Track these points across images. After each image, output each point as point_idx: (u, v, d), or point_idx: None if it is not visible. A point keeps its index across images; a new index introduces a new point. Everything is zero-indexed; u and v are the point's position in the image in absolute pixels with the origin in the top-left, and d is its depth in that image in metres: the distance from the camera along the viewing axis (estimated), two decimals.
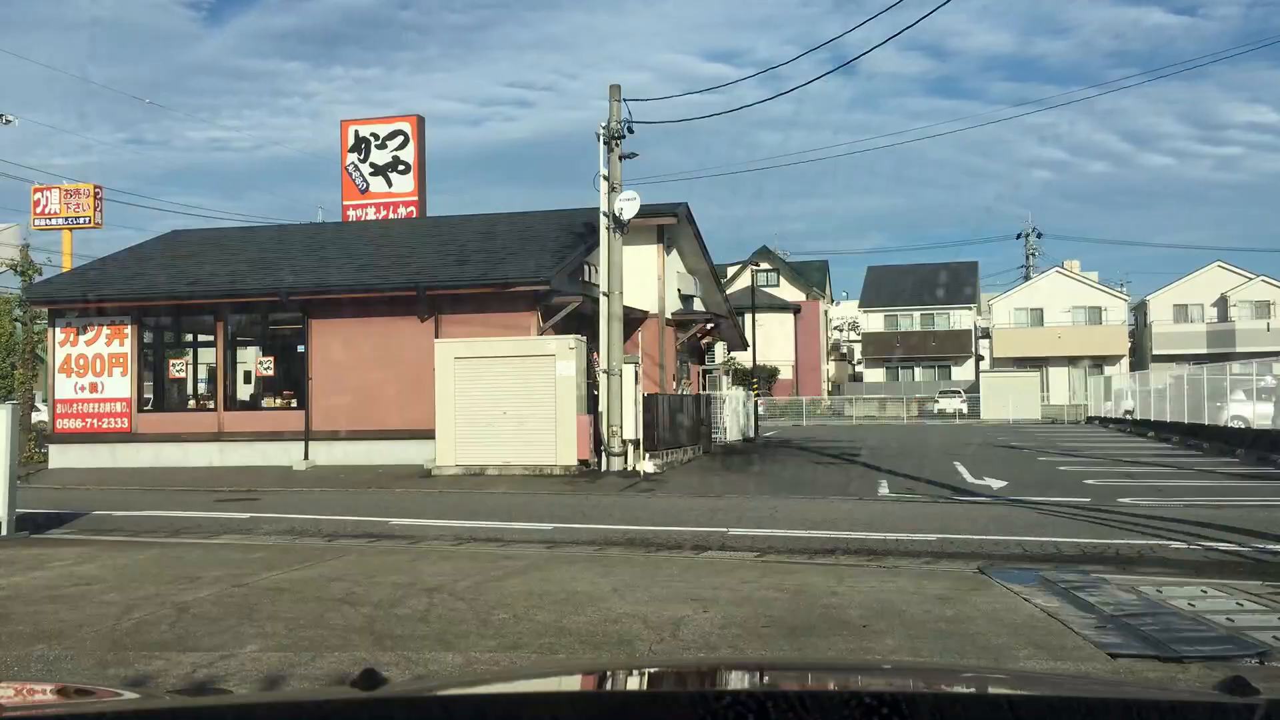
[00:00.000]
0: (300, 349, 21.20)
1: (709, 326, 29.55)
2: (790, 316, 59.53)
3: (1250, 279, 57.70)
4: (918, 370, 63.14)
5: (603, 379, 18.82)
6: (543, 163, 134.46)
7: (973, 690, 1.78)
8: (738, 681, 1.81)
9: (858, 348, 69.82)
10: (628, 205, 18.89)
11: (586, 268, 21.86)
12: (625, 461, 18.39)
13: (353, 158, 28.37)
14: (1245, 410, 24.84)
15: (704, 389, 30.88)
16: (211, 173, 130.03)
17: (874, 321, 64.46)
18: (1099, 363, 55.55)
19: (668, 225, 24.78)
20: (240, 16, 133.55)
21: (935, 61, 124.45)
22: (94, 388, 21.71)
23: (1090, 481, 15.92)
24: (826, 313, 69.25)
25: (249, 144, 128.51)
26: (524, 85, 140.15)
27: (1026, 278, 65.38)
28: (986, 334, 62.46)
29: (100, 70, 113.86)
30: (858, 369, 70.23)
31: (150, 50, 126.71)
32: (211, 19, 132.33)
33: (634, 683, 1.86)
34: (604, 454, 18.45)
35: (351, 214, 28.32)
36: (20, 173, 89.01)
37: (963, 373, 61.32)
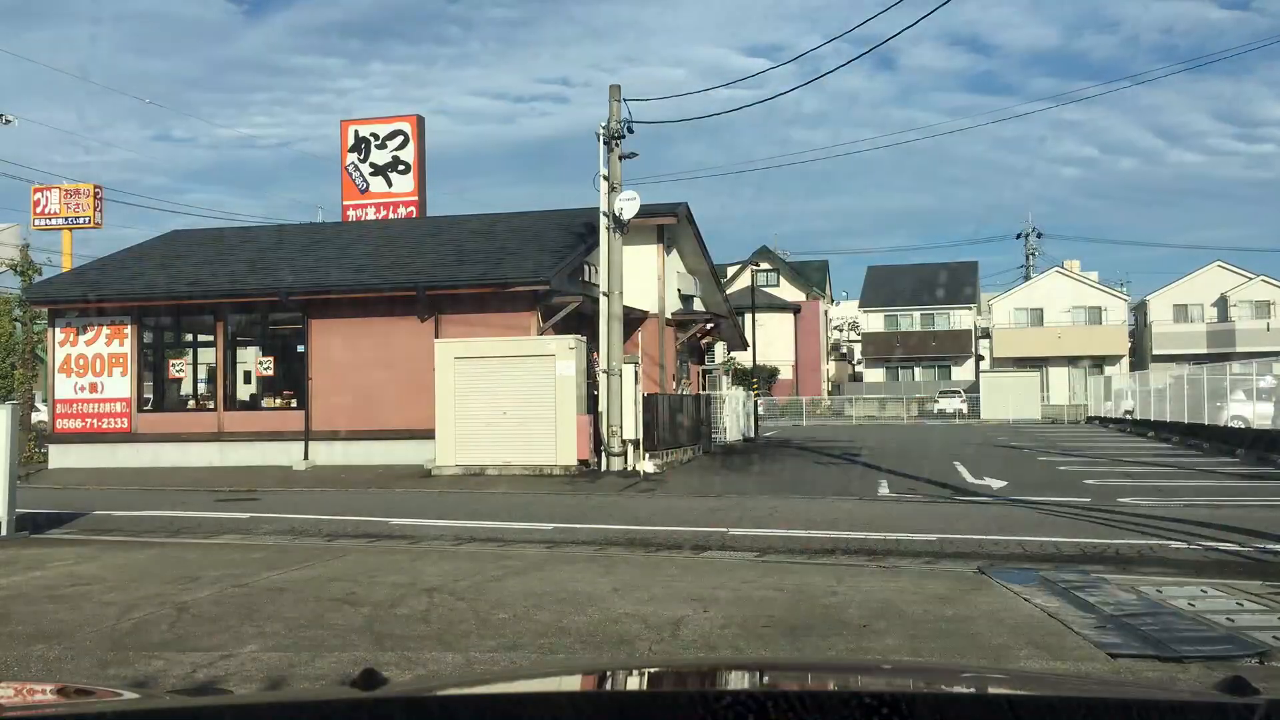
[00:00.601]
0: (300, 349, 21.21)
1: (709, 326, 29.55)
2: (790, 316, 59.56)
3: (1250, 279, 57.71)
4: (918, 370, 63.16)
5: (603, 379, 18.82)
6: (572, 160, 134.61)
7: (973, 690, 1.78)
8: (738, 681, 1.81)
9: (858, 348, 69.83)
10: (628, 205, 18.90)
11: (586, 268, 21.86)
12: (625, 461, 18.39)
13: (353, 158, 28.39)
14: (1245, 410, 24.84)
15: (704, 389, 30.87)
16: (240, 170, 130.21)
17: (874, 321, 64.48)
18: (1099, 363, 55.55)
19: (668, 225, 24.79)
20: (278, 11, 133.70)
21: (943, 58, 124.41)
22: (94, 388, 21.71)
23: (1090, 481, 15.92)
24: (826, 313, 69.26)
25: (276, 141, 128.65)
26: (561, 81, 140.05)
27: (1026, 278, 65.39)
28: (986, 334, 62.45)
29: (133, 64, 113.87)
30: (858, 369, 70.25)
31: (187, 45, 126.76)
32: (252, 13, 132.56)
33: (634, 683, 1.86)
34: (604, 454, 18.45)
35: (351, 214, 28.33)
36: (25, 174, 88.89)
37: (963, 373, 61.32)
